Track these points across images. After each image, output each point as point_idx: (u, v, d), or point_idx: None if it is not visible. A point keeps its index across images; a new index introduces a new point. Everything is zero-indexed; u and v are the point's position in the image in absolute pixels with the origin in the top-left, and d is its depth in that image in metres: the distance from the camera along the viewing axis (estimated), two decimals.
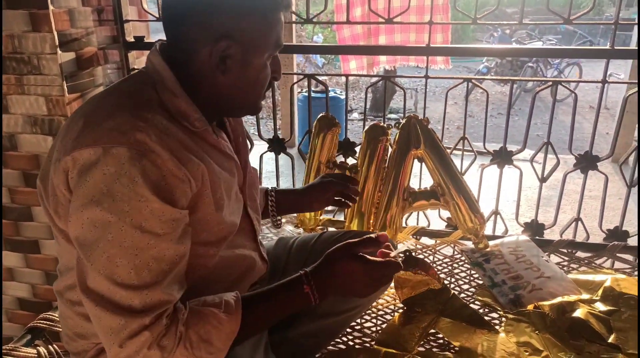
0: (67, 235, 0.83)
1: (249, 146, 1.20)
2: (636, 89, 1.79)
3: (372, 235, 0.94)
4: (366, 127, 1.73)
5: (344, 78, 8.17)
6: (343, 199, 1.39)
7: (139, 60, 2.15)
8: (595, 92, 6.53)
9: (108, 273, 0.75)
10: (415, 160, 1.72)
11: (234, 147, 1.01)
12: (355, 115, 7.14)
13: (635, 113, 1.80)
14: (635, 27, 4.08)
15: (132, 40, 1.98)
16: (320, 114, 1.78)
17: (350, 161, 1.90)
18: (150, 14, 1.97)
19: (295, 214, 1.84)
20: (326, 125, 1.75)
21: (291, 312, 0.91)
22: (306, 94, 4.59)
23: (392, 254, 0.93)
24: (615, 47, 1.64)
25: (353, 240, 0.93)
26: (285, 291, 0.90)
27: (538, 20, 8.21)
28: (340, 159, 1.85)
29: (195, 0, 0.82)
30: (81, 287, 0.77)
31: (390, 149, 1.72)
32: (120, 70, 2.03)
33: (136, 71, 0.95)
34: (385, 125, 1.73)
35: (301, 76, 2.03)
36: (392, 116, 6.79)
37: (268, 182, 3.35)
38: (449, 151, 1.84)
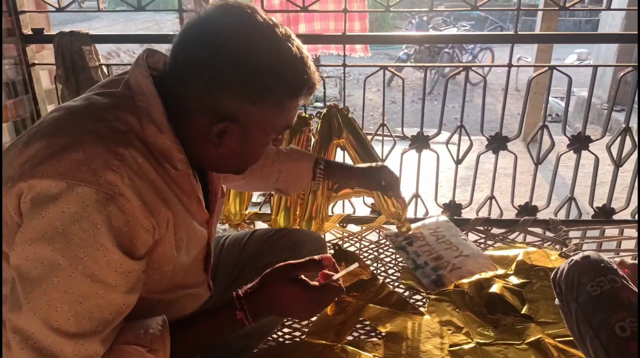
0: (8, 258, 0.74)
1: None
2: (541, 70, 1.89)
3: (316, 258, 0.89)
4: None
5: None
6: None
7: (39, 54, 1.99)
8: (505, 75, 6.91)
9: (44, 316, 0.67)
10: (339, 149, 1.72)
11: (208, 176, 0.96)
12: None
13: (543, 94, 1.91)
14: (539, 12, 4.35)
15: (30, 33, 1.82)
16: None
17: None
18: (49, 5, 1.81)
19: None
20: None
21: (224, 337, 0.86)
22: None
23: (335, 277, 0.89)
24: (518, 32, 1.72)
25: (293, 262, 0.87)
26: (215, 317, 0.84)
27: (452, 7, 8.51)
28: None
29: (218, 66, 0.72)
30: (10, 324, 0.69)
31: (313, 140, 1.71)
32: (18, 65, 1.87)
33: (118, 77, 0.82)
34: (307, 115, 1.71)
35: None
36: (318, 104, 6.81)
37: None
38: (369, 137, 1.87)
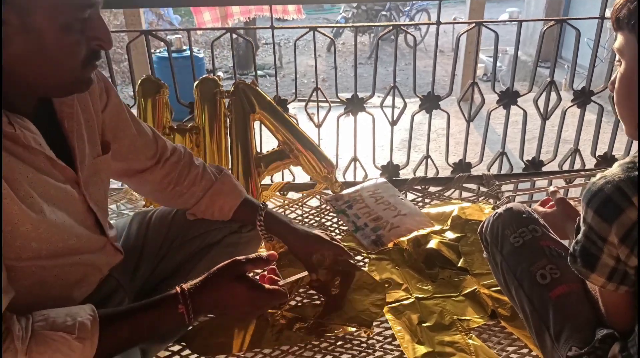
0: None
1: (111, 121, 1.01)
2: (470, 27, 1.91)
3: (263, 255, 0.89)
4: (195, 82, 1.65)
5: (202, 35, 7.78)
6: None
7: None
8: (444, 37, 7.00)
9: None
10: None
11: (56, 134, 0.85)
12: (220, 74, 6.87)
13: (474, 52, 1.94)
14: None
15: None
16: (142, 78, 1.64)
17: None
18: None
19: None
20: (151, 89, 1.61)
21: (161, 332, 0.84)
22: (164, 54, 4.29)
23: (281, 283, 0.90)
24: None
25: (241, 258, 0.86)
26: (155, 311, 0.81)
27: None
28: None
29: None
30: None
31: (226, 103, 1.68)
32: None
33: None
34: (216, 77, 1.67)
35: (138, 33, 1.84)
36: (259, 72, 6.66)
37: None
38: (304, 103, 1.84)
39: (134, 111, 1.77)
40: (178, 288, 0.83)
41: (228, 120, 1.66)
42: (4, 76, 0.71)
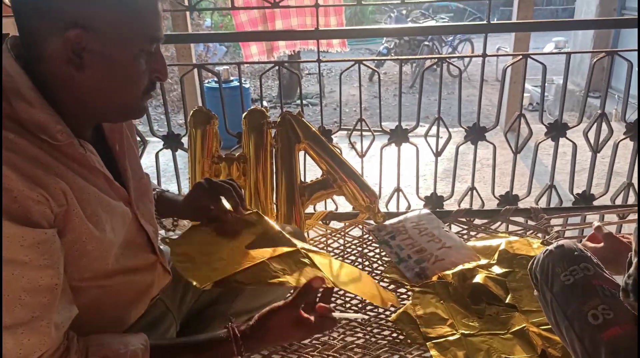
0: None
1: (139, 149, 1.08)
2: (515, 59, 1.90)
3: (310, 284, 0.90)
4: (244, 114, 1.70)
5: (249, 66, 8.03)
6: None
7: None
8: (488, 66, 6.96)
9: None
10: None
11: (111, 156, 0.91)
12: (265, 104, 7.07)
13: (520, 83, 1.91)
14: (515, 2, 4.37)
15: None
16: (195, 108, 1.71)
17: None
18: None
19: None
20: (202, 120, 1.68)
21: None
22: (214, 84, 4.45)
23: (335, 315, 0.91)
24: (491, 22, 1.72)
25: (292, 301, 0.88)
26: (206, 352, 0.84)
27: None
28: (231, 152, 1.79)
29: None
30: None
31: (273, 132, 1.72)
32: None
33: None
34: (262, 108, 1.72)
35: (191, 67, 1.93)
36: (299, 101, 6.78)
37: (168, 181, 3.20)
38: (348, 133, 1.87)
39: (185, 140, 1.85)
40: (230, 330, 0.86)
41: (274, 150, 1.70)
42: (74, 101, 0.77)
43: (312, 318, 0.89)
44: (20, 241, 0.67)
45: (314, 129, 1.72)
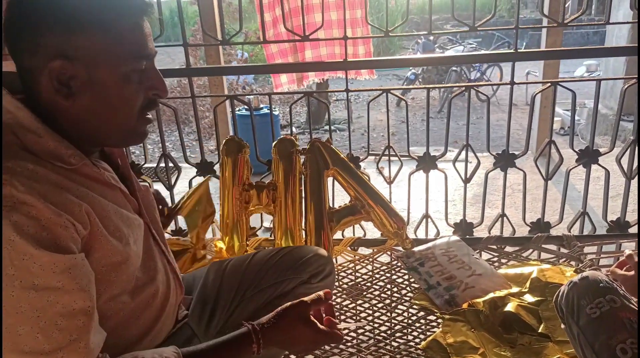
0: None
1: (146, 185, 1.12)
2: (544, 87, 1.90)
3: (322, 294, 0.96)
4: (274, 142, 1.75)
5: (277, 94, 8.18)
6: None
7: None
8: (518, 90, 6.91)
9: (12, 345, 0.67)
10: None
11: (119, 174, 0.95)
12: (293, 130, 7.13)
13: (551, 107, 1.90)
14: (544, 28, 4.36)
15: None
16: (226, 138, 1.77)
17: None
18: None
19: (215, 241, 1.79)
20: (234, 148, 1.74)
21: None
22: (244, 112, 4.56)
23: (340, 326, 0.98)
24: (519, 50, 1.73)
25: (306, 300, 0.94)
26: (232, 349, 0.88)
27: (456, 26, 8.56)
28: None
29: (21, 25, 0.74)
30: None
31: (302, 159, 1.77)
32: None
33: None
34: (292, 137, 1.76)
35: (224, 98, 2.00)
36: (327, 127, 6.86)
37: None
38: (376, 159, 1.89)
39: (217, 167, 1.91)
40: (250, 326, 0.90)
41: (302, 177, 1.74)
42: (75, 129, 0.80)
43: (320, 325, 0.94)
44: (52, 268, 0.70)
45: (342, 155, 1.76)
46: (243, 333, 0.89)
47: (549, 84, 1.83)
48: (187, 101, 7.47)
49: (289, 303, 0.93)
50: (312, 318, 0.93)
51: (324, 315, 0.98)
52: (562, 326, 1.02)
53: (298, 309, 0.92)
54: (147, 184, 1.09)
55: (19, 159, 0.73)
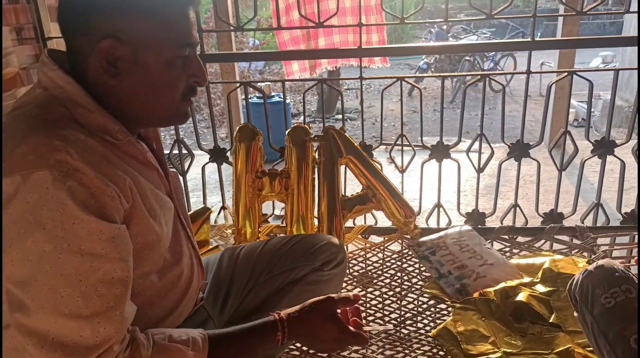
0: None
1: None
2: (561, 76, 1.88)
3: (350, 295, 0.96)
4: (288, 130, 1.76)
5: (288, 82, 8.17)
6: None
7: None
8: (531, 81, 6.84)
9: (53, 306, 0.69)
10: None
11: (155, 152, 0.97)
12: (302, 119, 7.12)
13: (565, 98, 1.87)
14: (560, 18, 4.29)
15: None
16: (240, 125, 1.78)
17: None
18: None
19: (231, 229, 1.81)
20: (247, 135, 1.75)
21: (257, 354, 0.90)
22: (256, 99, 4.56)
23: (366, 329, 0.97)
24: (536, 39, 1.71)
25: (334, 296, 0.94)
26: (256, 335, 0.89)
27: (471, 15, 8.48)
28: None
29: (75, 5, 0.77)
30: (23, 329, 0.70)
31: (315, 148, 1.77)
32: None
33: (26, 93, 0.84)
34: (306, 125, 1.77)
35: (238, 84, 2.00)
36: (340, 116, 6.84)
37: (210, 193, 3.29)
38: (389, 148, 1.89)
39: (229, 154, 1.92)
40: (276, 316, 0.90)
41: (316, 165, 1.74)
42: (120, 108, 0.83)
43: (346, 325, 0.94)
44: (99, 234, 0.72)
45: (355, 144, 1.76)
46: (269, 321, 0.90)
47: (566, 73, 1.81)
48: (199, 88, 7.59)
49: (317, 298, 0.94)
50: (338, 316, 0.93)
51: (350, 316, 0.99)
52: (575, 314, 1.01)
53: (325, 305, 0.93)
54: (175, 170, 1.10)
55: (71, 129, 0.75)
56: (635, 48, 5.23)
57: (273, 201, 1.97)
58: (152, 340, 0.80)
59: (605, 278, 0.94)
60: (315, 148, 1.77)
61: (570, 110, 5.59)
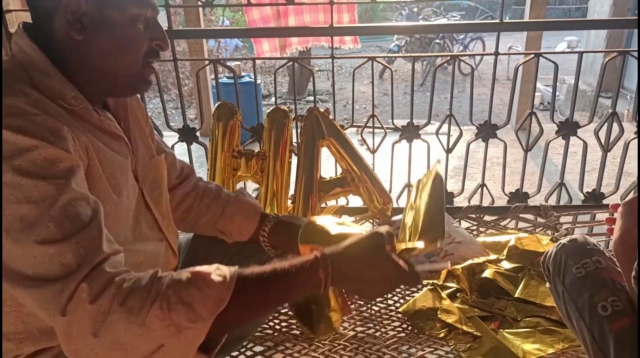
0: None
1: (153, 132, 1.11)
2: (528, 58, 1.91)
3: (392, 229, 0.83)
4: (267, 111, 1.74)
5: (259, 63, 8.06)
6: None
7: None
8: (499, 64, 6.96)
9: (26, 236, 0.66)
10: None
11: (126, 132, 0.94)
12: (273, 100, 7.06)
13: (532, 81, 1.92)
14: (528, 1, 4.35)
15: None
16: (219, 102, 1.75)
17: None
18: None
19: None
20: (225, 113, 1.72)
21: (293, 298, 0.80)
22: (226, 80, 4.49)
23: (419, 268, 0.82)
24: (504, 21, 1.73)
25: (382, 232, 0.81)
26: (295, 273, 0.75)
27: None
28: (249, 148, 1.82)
29: None
30: (4, 274, 0.67)
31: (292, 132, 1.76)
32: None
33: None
34: (286, 108, 1.75)
35: (207, 62, 1.96)
36: (311, 98, 6.81)
37: None
38: (359, 129, 1.89)
39: (198, 134, 1.88)
40: (318, 253, 0.78)
41: (296, 147, 1.73)
42: (83, 69, 0.82)
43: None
44: (57, 162, 0.70)
45: (338, 126, 1.75)
46: (310, 259, 0.77)
47: (533, 55, 1.84)
48: (165, 68, 7.39)
49: (363, 234, 0.81)
50: (388, 251, 0.79)
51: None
52: (547, 285, 1.06)
53: (375, 239, 0.79)
54: (162, 157, 1.06)
55: (25, 87, 0.76)
56: (599, 33, 5.35)
57: (244, 183, 1.96)
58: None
59: (577, 250, 0.99)
60: (293, 131, 1.76)
61: (536, 94, 5.73)
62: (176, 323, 0.67)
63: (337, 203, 2.05)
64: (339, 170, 1.82)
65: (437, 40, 7.84)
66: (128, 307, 0.66)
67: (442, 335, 1.31)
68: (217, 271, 0.73)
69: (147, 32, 0.86)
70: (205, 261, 1.16)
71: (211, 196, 1.17)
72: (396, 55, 4.60)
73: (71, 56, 0.81)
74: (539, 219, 1.85)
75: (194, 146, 2.00)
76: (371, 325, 1.36)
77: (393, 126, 2.00)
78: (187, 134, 1.96)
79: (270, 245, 1.13)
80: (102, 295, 0.66)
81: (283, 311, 1.41)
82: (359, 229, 1.02)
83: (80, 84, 0.82)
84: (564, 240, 1.03)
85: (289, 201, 1.77)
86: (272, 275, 0.75)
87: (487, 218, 1.88)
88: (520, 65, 1.96)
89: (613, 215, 0.98)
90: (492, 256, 1.57)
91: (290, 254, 1.01)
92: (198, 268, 0.73)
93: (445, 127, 1.97)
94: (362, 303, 1.44)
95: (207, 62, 1.97)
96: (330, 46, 1.96)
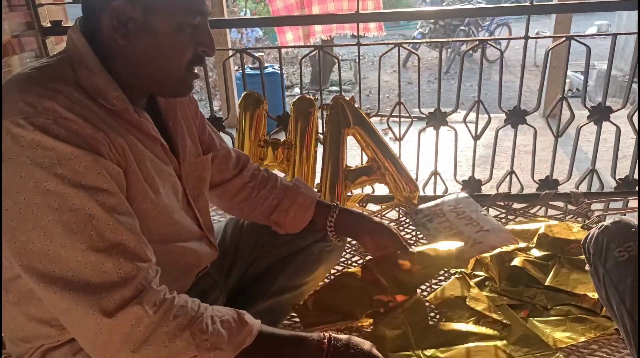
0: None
1: (204, 127, 1.13)
2: (559, 41, 1.87)
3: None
4: (294, 100, 1.75)
5: (282, 53, 8.07)
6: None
7: (58, 46, 2.03)
8: (527, 50, 6.81)
9: (68, 243, 0.69)
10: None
11: (167, 133, 0.95)
12: (296, 90, 7.09)
13: (563, 68, 1.88)
14: None
15: (49, 25, 1.86)
16: (245, 92, 1.76)
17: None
18: None
19: None
20: (252, 103, 1.73)
21: None
22: (250, 71, 4.51)
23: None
24: (534, 4, 1.69)
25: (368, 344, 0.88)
26: (299, 350, 0.85)
27: None
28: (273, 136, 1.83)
29: None
30: (37, 275, 0.70)
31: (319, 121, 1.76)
32: (39, 58, 1.92)
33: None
34: (311, 96, 1.75)
35: (233, 51, 1.97)
36: (334, 88, 6.78)
37: None
38: (385, 117, 1.88)
39: (225, 123, 1.89)
40: (324, 338, 0.86)
41: (322, 136, 1.73)
42: (126, 70, 0.83)
43: None
44: (97, 169, 0.73)
45: (364, 115, 1.75)
46: (316, 341, 0.85)
47: (564, 38, 1.80)
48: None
49: (361, 340, 0.88)
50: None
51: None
52: (587, 268, 1.03)
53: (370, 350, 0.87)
54: (208, 158, 1.08)
55: (65, 85, 0.76)
56: (631, 16, 5.19)
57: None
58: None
59: (620, 233, 0.95)
60: (319, 120, 1.76)
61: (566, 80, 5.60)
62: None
63: (362, 192, 2.06)
64: (365, 159, 1.82)
65: (462, 27, 7.71)
66: (172, 327, 0.73)
67: (470, 323, 1.30)
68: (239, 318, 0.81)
69: (193, 39, 0.84)
70: (236, 249, 1.20)
71: (268, 187, 1.19)
72: (423, 41, 4.55)
73: (116, 57, 0.82)
74: (570, 207, 1.81)
75: (221, 136, 2.02)
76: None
77: (420, 114, 1.98)
78: (214, 125, 1.97)
79: (337, 233, 1.21)
80: (158, 310, 0.73)
81: None
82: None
83: (123, 84, 0.82)
84: (607, 222, 1.00)
85: (315, 190, 1.78)
86: (282, 342, 0.85)
87: (515, 205, 1.85)
88: (551, 49, 1.91)
89: None
90: (522, 244, 1.55)
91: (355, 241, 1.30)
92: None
93: (472, 115, 1.94)
94: None
95: (233, 52, 1.98)
96: (355, 33, 1.95)
